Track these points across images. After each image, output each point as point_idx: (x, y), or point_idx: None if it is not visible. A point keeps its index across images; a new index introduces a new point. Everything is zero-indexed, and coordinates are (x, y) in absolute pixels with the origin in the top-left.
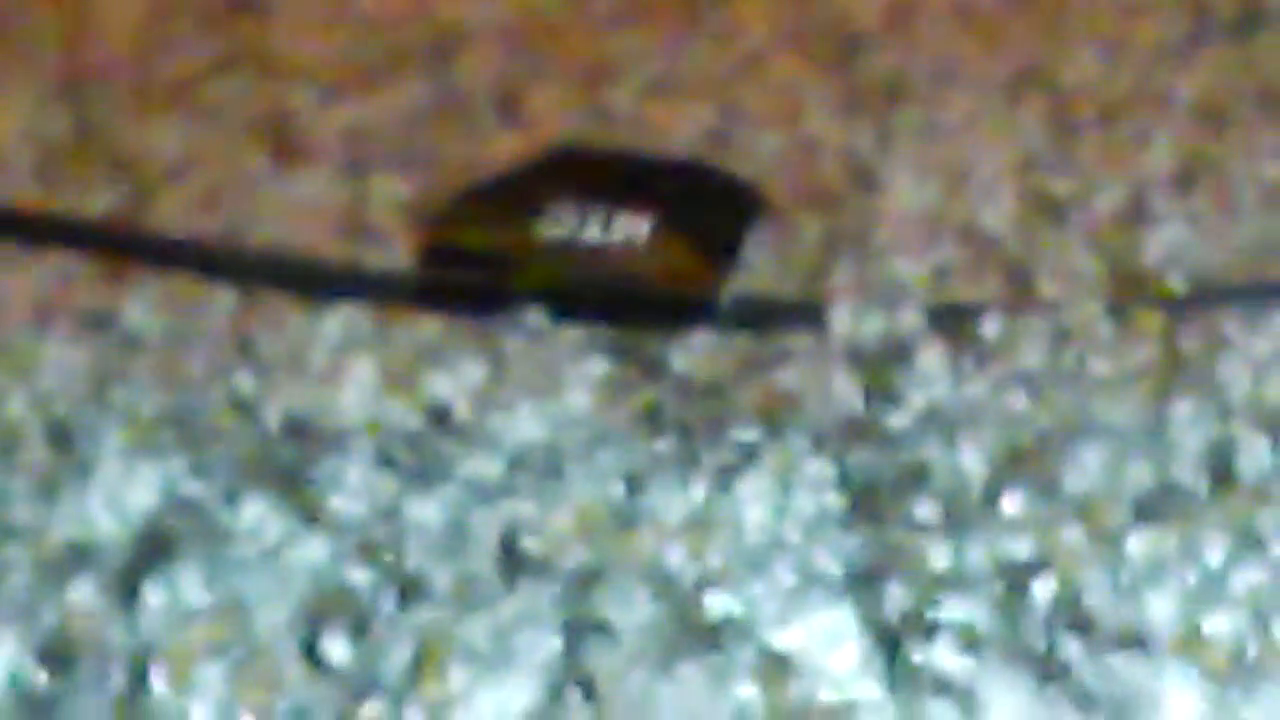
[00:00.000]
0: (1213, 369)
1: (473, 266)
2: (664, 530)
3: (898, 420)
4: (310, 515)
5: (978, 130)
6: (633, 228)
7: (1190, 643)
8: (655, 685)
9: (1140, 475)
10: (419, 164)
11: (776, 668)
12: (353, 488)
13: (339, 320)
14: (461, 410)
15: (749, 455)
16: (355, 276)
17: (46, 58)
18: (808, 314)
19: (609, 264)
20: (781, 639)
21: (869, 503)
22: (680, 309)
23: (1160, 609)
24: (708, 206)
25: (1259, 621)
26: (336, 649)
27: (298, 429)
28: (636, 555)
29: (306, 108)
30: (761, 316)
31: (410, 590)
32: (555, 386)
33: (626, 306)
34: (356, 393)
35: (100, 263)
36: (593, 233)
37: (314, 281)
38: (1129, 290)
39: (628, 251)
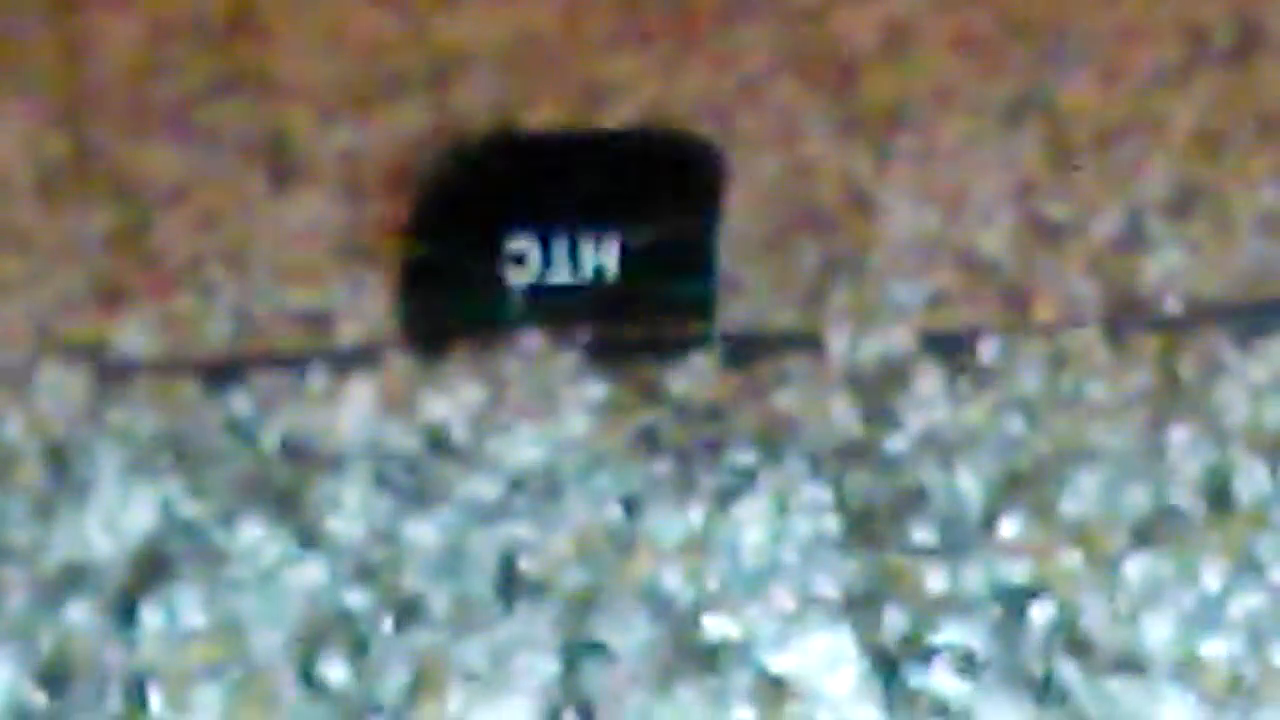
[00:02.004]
0: (1209, 394)
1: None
2: (662, 553)
3: (895, 444)
4: (307, 537)
5: (975, 155)
6: (602, 258)
7: (1188, 666)
8: (653, 707)
9: (1137, 499)
10: (416, 187)
11: (774, 690)
12: (350, 510)
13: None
14: (459, 433)
15: (746, 478)
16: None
17: (46, 80)
18: (805, 338)
19: (586, 308)
20: (779, 662)
21: (866, 526)
22: (677, 343)
23: (1158, 633)
24: (669, 200)
25: (1256, 646)
26: (334, 671)
27: (295, 451)
28: (634, 577)
29: (305, 130)
30: (759, 342)
31: (408, 612)
32: (553, 409)
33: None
34: (354, 415)
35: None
36: (561, 274)
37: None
38: (1126, 315)
39: (604, 290)
